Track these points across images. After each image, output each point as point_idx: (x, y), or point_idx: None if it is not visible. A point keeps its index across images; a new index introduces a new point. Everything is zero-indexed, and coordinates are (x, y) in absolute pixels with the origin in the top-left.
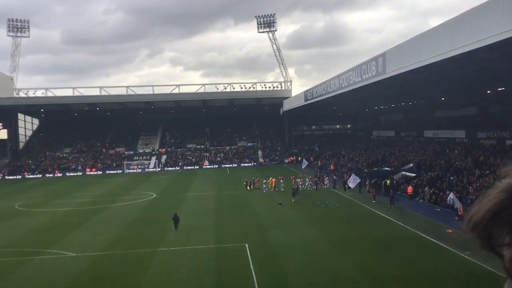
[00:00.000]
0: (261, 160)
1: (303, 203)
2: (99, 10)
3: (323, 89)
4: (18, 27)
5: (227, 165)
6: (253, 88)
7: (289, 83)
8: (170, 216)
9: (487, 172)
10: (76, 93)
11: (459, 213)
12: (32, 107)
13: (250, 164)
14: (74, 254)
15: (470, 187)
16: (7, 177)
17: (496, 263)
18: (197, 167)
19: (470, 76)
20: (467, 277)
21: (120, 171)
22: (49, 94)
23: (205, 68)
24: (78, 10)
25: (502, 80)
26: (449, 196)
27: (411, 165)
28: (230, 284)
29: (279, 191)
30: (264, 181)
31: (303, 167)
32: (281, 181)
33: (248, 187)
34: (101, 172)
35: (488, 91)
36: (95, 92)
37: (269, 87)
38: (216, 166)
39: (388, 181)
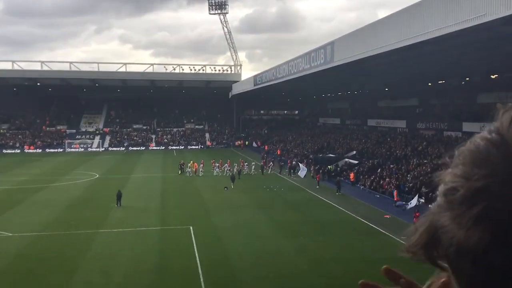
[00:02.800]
0: (208, 143)
1: (249, 187)
2: None
3: (273, 74)
4: None
5: (174, 147)
6: (203, 70)
7: (239, 67)
8: (113, 197)
9: (425, 161)
10: (16, 67)
11: (395, 199)
12: None
13: (197, 147)
14: (11, 234)
15: (408, 175)
16: None
17: None
18: (143, 148)
19: (413, 68)
20: (402, 260)
21: (61, 150)
22: None
23: (155, 47)
24: None
25: (443, 73)
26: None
27: (354, 152)
28: (173, 265)
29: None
30: (189, 164)
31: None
32: (202, 165)
33: (180, 170)
34: (40, 150)
35: (429, 84)
36: (37, 66)
37: (219, 70)
38: (163, 147)
39: (330, 167)
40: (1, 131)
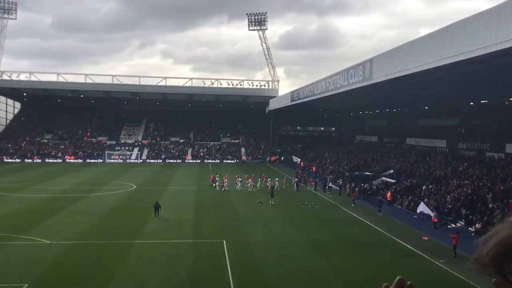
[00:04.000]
0: (244, 157)
1: (283, 204)
2: None
3: (310, 90)
4: (5, 8)
5: (210, 161)
6: (240, 85)
7: (276, 83)
8: (149, 209)
9: (466, 182)
10: (61, 79)
11: (434, 220)
12: (15, 90)
13: (232, 161)
14: (49, 242)
15: (448, 196)
16: None
17: (468, 272)
18: (180, 161)
19: (454, 86)
20: (440, 284)
21: (101, 161)
22: (33, 78)
23: (195, 62)
24: None
25: (485, 93)
26: (419, 206)
27: (392, 171)
28: (205, 279)
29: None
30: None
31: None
32: (238, 179)
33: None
34: (81, 161)
35: (471, 103)
36: (81, 79)
37: (256, 86)
38: (199, 161)
39: (364, 184)
40: (45, 140)
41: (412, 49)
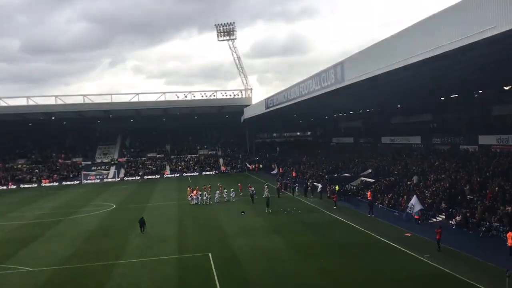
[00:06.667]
0: (222, 168)
1: (264, 211)
2: (61, 19)
3: (284, 96)
4: None
5: (189, 174)
6: (214, 96)
7: (249, 91)
8: (130, 227)
9: (443, 176)
10: (31, 102)
11: (416, 217)
12: None
13: (212, 172)
14: (31, 269)
15: (426, 191)
16: None
17: (454, 265)
18: (158, 176)
19: (424, 83)
20: (426, 279)
21: (78, 182)
22: (2, 103)
23: (168, 76)
24: (39, 19)
25: (455, 87)
26: (411, 202)
27: (370, 170)
28: None
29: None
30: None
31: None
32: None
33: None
34: (57, 184)
35: (442, 98)
36: (51, 101)
37: (230, 95)
38: (178, 175)
39: (336, 187)
40: (18, 166)
41: (380, 50)
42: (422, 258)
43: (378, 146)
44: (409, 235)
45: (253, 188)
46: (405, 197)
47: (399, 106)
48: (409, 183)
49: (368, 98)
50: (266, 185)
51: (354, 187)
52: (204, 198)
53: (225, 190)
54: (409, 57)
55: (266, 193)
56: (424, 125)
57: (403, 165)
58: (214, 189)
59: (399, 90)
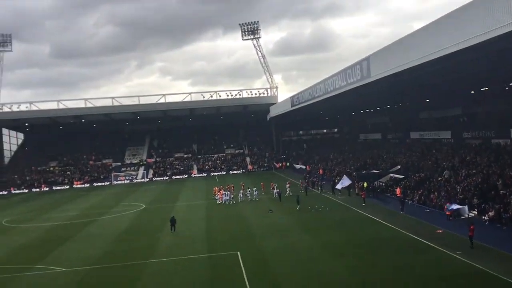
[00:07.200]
0: (249, 167)
1: (294, 209)
2: (89, 24)
3: (309, 94)
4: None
5: (216, 173)
6: (239, 95)
7: (274, 89)
8: (160, 227)
9: (474, 171)
10: (61, 106)
11: (447, 213)
12: (16, 122)
13: (239, 171)
14: (64, 269)
15: (458, 187)
16: None
17: (487, 262)
18: (186, 176)
19: (453, 77)
20: (459, 276)
21: (108, 183)
22: (34, 107)
23: (194, 77)
24: (68, 24)
25: (485, 80)
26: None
27: (399, 167)
28: None
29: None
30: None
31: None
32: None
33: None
34: (88, 185)
35: (472, 92)
36: (81, 104)
37: (255, 94)
38: (205, 174)
39: (365, 183)
40: (51, 168)
41: (407, 44)
42: (454, 255)
43: (407, 142)
44: (440, 231)
45: (276, 186)
46: (435, 193)
47: (427, 100)
48: (440, 178)
49: (395, 93)
50: (288, 182)
51: (383, 184)
52: (227, 198)
53: (248, 189)
54: (436, 50)
55: (288, 191)
56: (454, 119)
57: (433, 161)
58: (238, 189)
59: (427, 84)
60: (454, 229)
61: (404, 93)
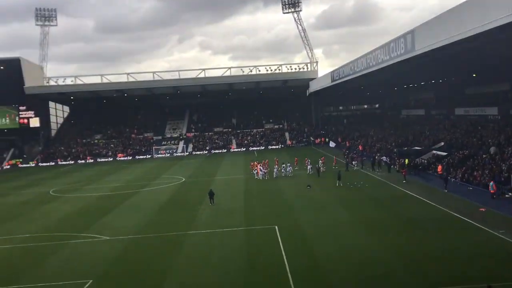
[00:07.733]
0: (288, 142)
1: (332, 185)
2: None
3: (350, 68)
4: (45, 16)
5: (255, 148)
6: (279, 70)
7: (315, 64)
8: (200, 200)
9: None
10: (104, 80)
11: (491, 191)
12: (62, 95)
13: (277, 146)
14: (108, 238)
15: (503, 165)
16: (40, 164)
17: None
18: (225, 150)
19: (501, 51)
20: (501, 255)
21: (149, 156)
22: (78, 81)
23: (233, 51)
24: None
25: None
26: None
27: (442, 143)
28: (262, 266)
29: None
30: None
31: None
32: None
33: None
34: (130, 158)
35: None
36: (123, 78)
37: (295, 69)
38: (244, 149)
39: (406, 160)
40: (95, 141)
41: (454, 17)
42: (497, 234)
43: (451, 118)
44: (483, 210)
45: (309, 161)
46: (479, 171)
47: (474, 75)
48: (484, 156)
49: (440, 68)
50: (322, 158)
51: (425, 161)
52: (261, 173)
53: (283, 164)
54: (484, 23)
55: (321, 167)
56: (501, 95)
57: (478, 138)
58: (272, 165)
59: (474, 58)
60: (498, 208)
61: (450, 68)
